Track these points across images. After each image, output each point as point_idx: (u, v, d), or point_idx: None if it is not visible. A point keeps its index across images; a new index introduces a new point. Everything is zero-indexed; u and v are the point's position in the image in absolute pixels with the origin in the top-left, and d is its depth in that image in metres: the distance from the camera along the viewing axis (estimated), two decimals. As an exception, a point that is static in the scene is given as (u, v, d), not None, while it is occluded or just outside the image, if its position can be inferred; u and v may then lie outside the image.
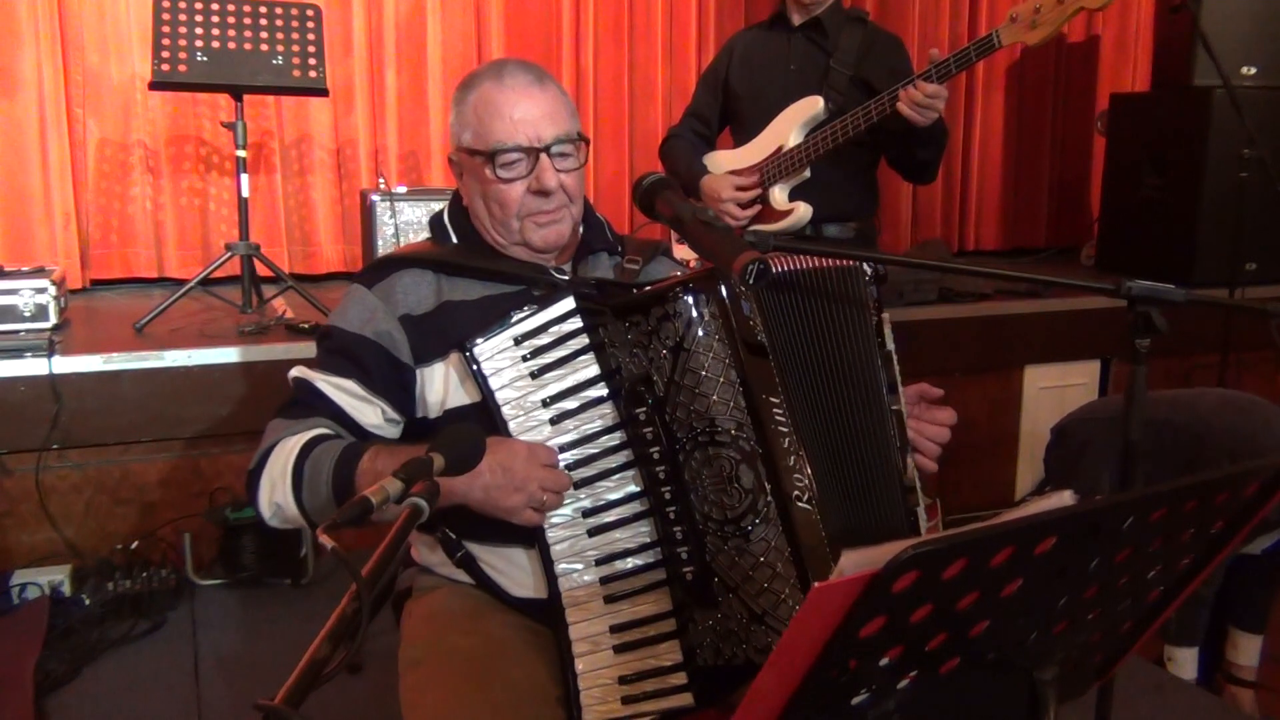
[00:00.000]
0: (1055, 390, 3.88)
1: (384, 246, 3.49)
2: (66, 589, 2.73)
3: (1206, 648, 2.63)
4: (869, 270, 1.41)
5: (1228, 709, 2.53)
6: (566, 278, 1.51)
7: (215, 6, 3.14)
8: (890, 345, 1.41)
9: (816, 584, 0.75)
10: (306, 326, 3.04)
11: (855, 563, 0.75)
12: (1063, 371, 3.89)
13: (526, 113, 1.44)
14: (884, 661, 0.85)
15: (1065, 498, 0.89)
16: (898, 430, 1.39)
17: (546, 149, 1.44)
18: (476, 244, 1.54)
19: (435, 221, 1.59)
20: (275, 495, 1.38)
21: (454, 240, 1.56)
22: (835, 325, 1.38)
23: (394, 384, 1.45)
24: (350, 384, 1.43)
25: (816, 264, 1.39)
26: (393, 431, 1.48)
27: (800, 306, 1.37)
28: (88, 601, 2.69)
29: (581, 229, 1.59)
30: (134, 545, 2.83)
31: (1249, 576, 2.55)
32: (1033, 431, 3.84)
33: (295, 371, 1.48)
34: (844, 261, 1.40)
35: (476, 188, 1.50)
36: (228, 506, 2.89)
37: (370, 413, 1.44)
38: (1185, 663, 2.60)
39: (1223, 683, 2.63)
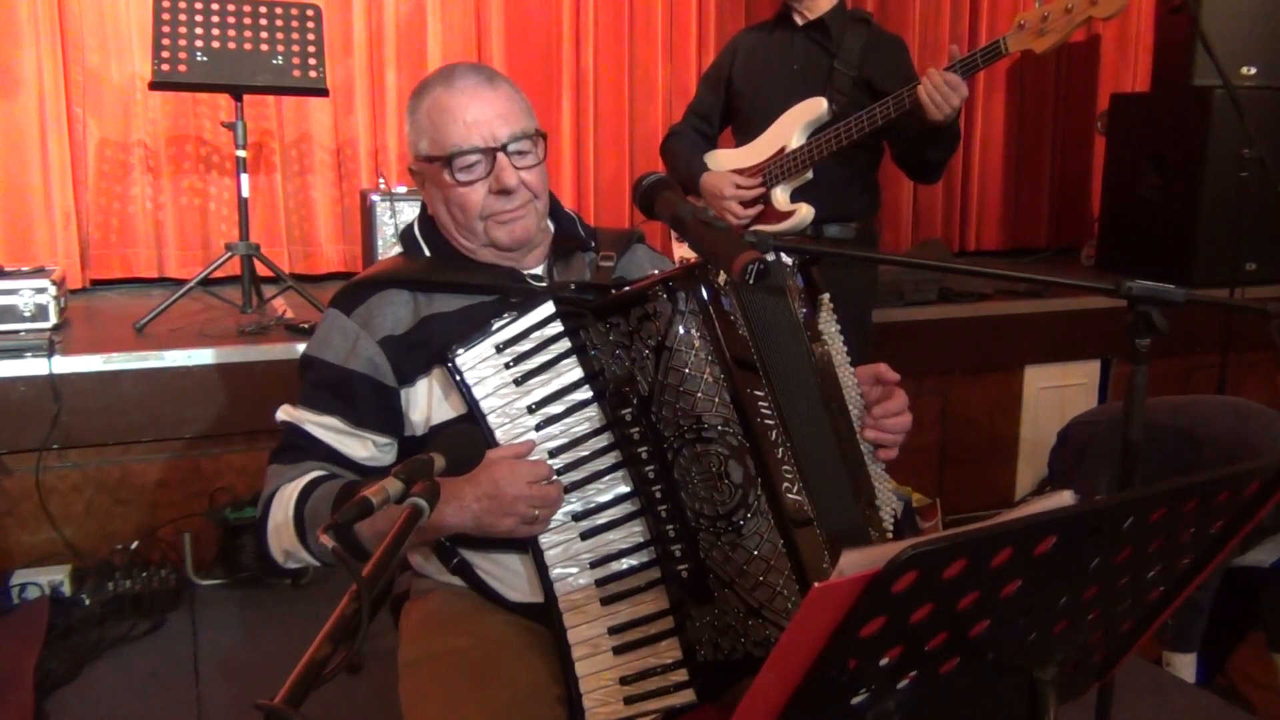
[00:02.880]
0: (1055, 390, 3.88)
1: (384, 246, 3.49)
2: (66, 589, 2.73)
3: (1204, 655, 2.63)
4: (789, 261, 1.42)
5: (1228, 709, 2.53)
6: (544, 284, 1.50)
7: (215, 6, 3.14)
8: (828, 334, 1.43)
9: (817, 584, 0.75)
10: (306, 327, 3.04)
11: (855, 563, 0.75)
12: (1063, 371, 3.89)
13: (479, 114, 1.43)
14: (884, 661, 0.85)
15: (1065, 498, 0.89)
16: (841, 419, 1.40)
17: (503, 148, 1.43)
18: (449, 254, 1.53)
19: (406, 235, 1.57)
20: (284, 543, 1.40)
21: (426, 253, 1.54)
22: (767, 319, 1.37)
23: (383, 410, 1.44)
24: (334, 420, 1.42)
25: None
26: (388, 458, 1.47)
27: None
28: (88, 601, 2.69)
29: (552, 228, 1.59)
30: (134, 545, 2.84)
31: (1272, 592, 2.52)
32: (1033, 432, 3.84)
33: (281, 414, 1.47)
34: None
35: (438, 194, 1.49)
36: (228, 506, 2.89)
37: (358, 446, 1.44)
38: (1183, 669, 2.59)
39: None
